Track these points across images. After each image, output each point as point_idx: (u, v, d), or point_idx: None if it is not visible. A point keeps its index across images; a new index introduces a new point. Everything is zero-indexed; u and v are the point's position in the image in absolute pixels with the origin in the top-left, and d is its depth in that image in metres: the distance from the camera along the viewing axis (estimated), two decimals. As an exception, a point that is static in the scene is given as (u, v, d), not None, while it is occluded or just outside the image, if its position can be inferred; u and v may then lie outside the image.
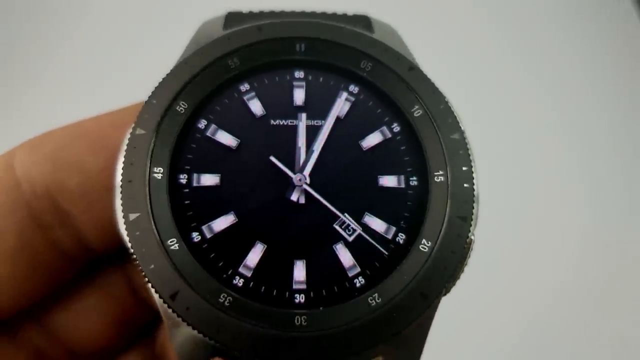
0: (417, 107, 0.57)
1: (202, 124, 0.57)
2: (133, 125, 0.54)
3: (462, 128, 0.57)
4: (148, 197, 0.52)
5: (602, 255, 1.16)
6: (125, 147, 0.54)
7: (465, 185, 0.55)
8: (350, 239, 0.55)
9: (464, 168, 0.55)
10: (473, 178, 0.55)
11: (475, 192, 0.55)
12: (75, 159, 0.58)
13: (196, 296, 0.50)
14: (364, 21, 0.64)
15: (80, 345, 0.65)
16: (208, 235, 0.54)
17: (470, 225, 0.54)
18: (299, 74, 0.59)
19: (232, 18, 0.64)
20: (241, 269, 0.53)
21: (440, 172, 0.55)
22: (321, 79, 0.59)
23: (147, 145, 0.53)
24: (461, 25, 1.36)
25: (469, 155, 0.56)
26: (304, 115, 0.58)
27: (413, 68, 0.58)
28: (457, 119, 0.57)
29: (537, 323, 1.07)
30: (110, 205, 0.57)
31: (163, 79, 0.56)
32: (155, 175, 0.53)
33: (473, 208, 0.54)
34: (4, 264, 0.57)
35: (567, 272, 1.13)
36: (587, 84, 1.31)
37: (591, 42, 1.35)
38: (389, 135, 0.58)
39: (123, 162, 0.53)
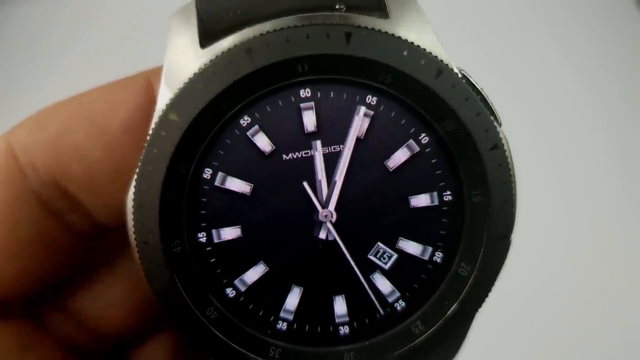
0: (448, 120, 0.49)
1: (207, 173, 0.50)
2: (133, 197, 0.48)
3: (502, 134, 0.50)
4: (173, 276, 0.49)
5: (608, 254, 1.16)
6: (132, 223, 0.49)
7: (505, 201, 0.50)
8: (387, 266, 0.53)
9: (503, 182, 0.50)
10: (512, 189, 0.51)
11: (515, 205, 0.51)
12: (76, 144, 0.54)
13: (249, 356, 0.51)
14: None
15: (108, 329, 0.66)
16: (242, 289, 0.52)
17: (510, 239, 0.52)
18: (305, 92, 0.49)
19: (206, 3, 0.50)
20: (282, 314, 0.53)
21: (478, 192, 0.50)
22: (332, 93, 0.50)
23: (154, 222, 0.48)
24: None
25: (509, 165, 0.50)
26: (318, 143, 0.50)
27: (441, 72, 0.48)
28: (495, 123, 0.49)
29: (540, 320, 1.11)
30: (119, 190, 0.55)
31: (151, 139, 0.47)
32: (175, 250, 0.49)
33: (513, 223, 0.51)
34: (23, 255, 0.57)
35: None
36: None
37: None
38: (417, 149, 0.51)
39: (136, 241, 0.49)
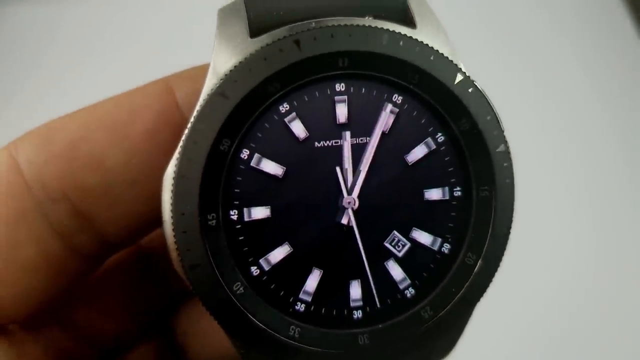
0: (464, 120, 0.56)
1: (245, 153, 0.54)
2: (176, 167, 0.51)
3: (506, 137, 0.57)
4: (206, 247, 0.51)
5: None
6: (172, 193, 0.51)
7: (507, 198, 0.57)
8: (400, 254, 0.57)
9: (507, 181, 0.57)
10: (513, 187, 0.57)
11: (514, 201, 0.57)
12: (92, 154, 0.53)
13: (270, 334, 0.53)
14: None
15: (101, 338, 0.65)
16: (266, 268, 0.55)
17: (510, 232, 0.58)
18: (340, 86, 0.55)
19: None
20: (302, 295, 0.56)
21: (486, 187, 0.57)
22: (363, 89, 0.55)
23: (194, 193, 0.51)
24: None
25: (512, 165, 0.57)
26: (348, 134, 0.55)
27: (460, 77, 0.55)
28: (502, 127, 0.57)
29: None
30: (135, 198, 0.56)
31: (198, 115, 0.51)
32: (210, 222, 0.52)
33: (512, 217, 0.57)
34: (24, 278, 0.54)
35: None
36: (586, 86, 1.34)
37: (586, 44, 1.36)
38: (434, 146, 0.57)
39: (172, 211, 0.51)
